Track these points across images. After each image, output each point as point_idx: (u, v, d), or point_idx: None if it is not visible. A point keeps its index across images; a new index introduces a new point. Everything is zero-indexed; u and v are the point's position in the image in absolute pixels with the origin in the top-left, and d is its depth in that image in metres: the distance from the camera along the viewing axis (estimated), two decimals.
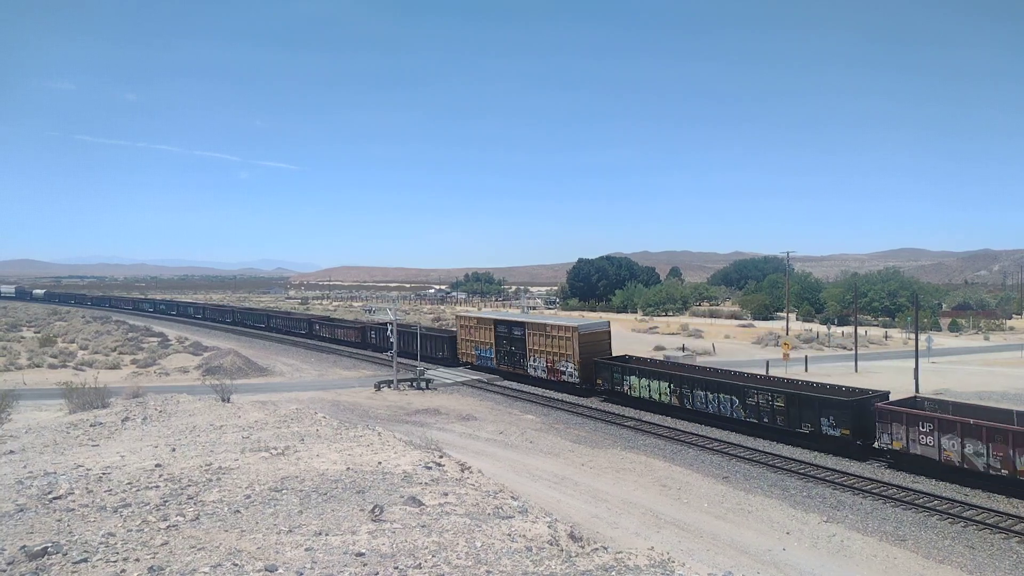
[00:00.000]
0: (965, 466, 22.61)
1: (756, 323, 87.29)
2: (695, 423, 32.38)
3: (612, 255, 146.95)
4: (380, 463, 14.76)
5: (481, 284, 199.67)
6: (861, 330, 62.93)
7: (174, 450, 15.59)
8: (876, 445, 25.57)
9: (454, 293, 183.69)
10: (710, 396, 32.11)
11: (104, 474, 13.02)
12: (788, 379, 34.24)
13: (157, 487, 12.04)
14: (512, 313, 65.26)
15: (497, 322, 48.12)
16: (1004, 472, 21.41)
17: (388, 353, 46.72)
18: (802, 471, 24.58)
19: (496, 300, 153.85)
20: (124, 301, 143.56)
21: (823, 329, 75.98)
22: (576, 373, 40.50)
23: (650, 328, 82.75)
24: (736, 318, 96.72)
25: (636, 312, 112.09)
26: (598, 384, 39.51)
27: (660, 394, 34.89)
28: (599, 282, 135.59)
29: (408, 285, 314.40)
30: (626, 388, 37.08)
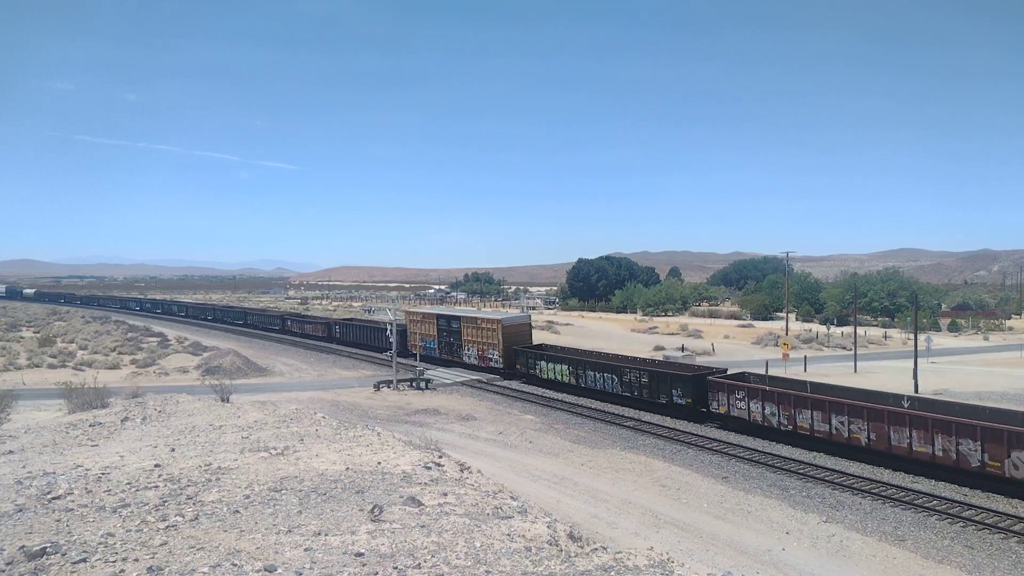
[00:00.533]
0: (765, 424, 29.22)
1: (756, 323, 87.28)
2: (588, 398, 38.51)
3: (612, 255, 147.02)
4: (379, 463, 14.75)
5: (481, 284, 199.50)
6: (861, 330, 62.92)
7: (173, 450, 15.58)
8: (711, 410, 31.95)
9: (454, 293, 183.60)
10: (597, 375, 38.54)
11: (103, 474, 13.01)
12: (652, 359, 42.70)
13: (156, 487, 12.04)
14: (450, 308, 73.14)
15: (439, 316, 53.76)
16: (790, 427, 28.21)
17: (388, 353, 46.79)
18: (802, 471, 24.59)
19: (496, 300, 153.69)
20: (112, 300, 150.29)
21: (823, 329, 76.00)
22: (500, 359, 46.52)
23: (650, 328, 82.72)
24: (736, 318, 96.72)
25: (636, 312, 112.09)
26: (517, 368, 45.28)
27: (562, 375, 41.20)
28: (599, 282, 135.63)
29: (408, 285, 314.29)
30: (538, 371, 43.11)
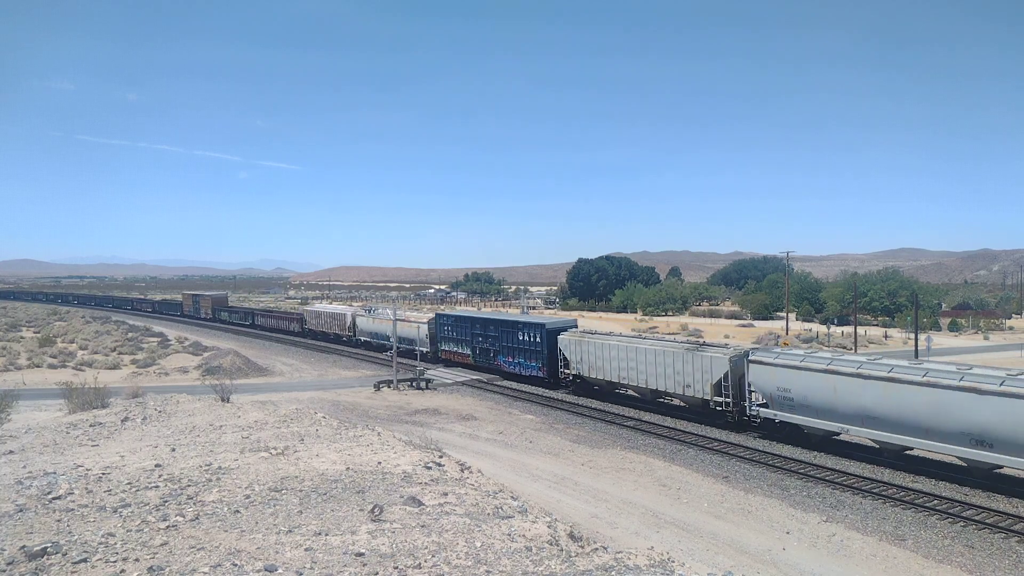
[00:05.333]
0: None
1: (756, 323, 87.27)
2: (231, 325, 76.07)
3: (612, 255, 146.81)
4: (380, 463, 14.76)
5: (481, 284, 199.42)
6: (861, 330, 62.91)
7: (174, 450, 15.58)
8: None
9: (454, 293, 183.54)
10: (233, 315, 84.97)
11: (104, 474, 13.01)
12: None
13: (157, 487, 12.04)
14: (199, 292, 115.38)
15: (193, 296, 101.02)
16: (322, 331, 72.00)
17: (388, 353, 46.80)
18: (802, 471, 24.60)
19: (496, 300, 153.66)
20: (41, 295, 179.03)
21: (823, 329, 75.96)
22: (207, 313, 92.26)
23: (650, 328, 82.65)
24: (736, 318, 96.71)
25: (636, 312, 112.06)
26: (217, 316, 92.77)
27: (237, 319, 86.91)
28: (599, 282, 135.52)
29: (408, 285, 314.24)
30: (221, 316, 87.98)
